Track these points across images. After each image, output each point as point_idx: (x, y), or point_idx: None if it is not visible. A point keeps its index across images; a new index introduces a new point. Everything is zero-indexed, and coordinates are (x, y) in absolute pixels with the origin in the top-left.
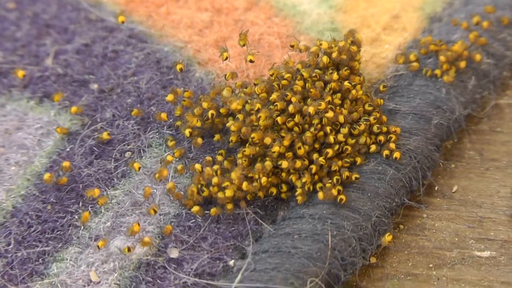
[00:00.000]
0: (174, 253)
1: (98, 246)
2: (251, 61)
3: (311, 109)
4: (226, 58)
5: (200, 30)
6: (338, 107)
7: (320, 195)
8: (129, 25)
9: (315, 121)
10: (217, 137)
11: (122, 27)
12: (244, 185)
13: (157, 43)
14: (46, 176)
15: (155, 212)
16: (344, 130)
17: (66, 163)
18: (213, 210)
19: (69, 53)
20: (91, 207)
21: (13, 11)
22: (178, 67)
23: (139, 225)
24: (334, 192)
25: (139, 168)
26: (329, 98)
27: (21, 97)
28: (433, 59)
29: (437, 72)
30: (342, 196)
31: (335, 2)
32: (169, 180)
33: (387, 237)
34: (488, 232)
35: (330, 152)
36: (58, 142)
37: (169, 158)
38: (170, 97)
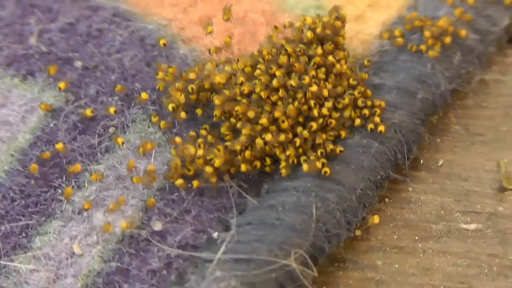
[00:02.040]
0: (157, 226)
1: (84, 208)
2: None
3: (293, 82)
4: (210, 32)
5: (185, 8)
6: (322, 81)
7: (305, 167)
8: (113, 3)
9: (299, 95)
10: (199, 111)
11: (106, 6)
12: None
13: (141, 21)
14: (33, 167)
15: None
16: (329, 104)
17: (59, 145)
18: (195, 182)
19: (53, 31)
20: (74, 181)
21: None
22: (162, 42)
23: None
24: (318, 164)
25: (123, 143)
26: (313, 73)
27: (5, 74)
28: (418, 34)
29: (422, 47)
30: (327, 169)
31: None
32: (152, 155)
33: (375, 219)
34: (474, 205)
35: (314, 125)
36: (42, 118)
37: (149, 146)
38: (160, 75)
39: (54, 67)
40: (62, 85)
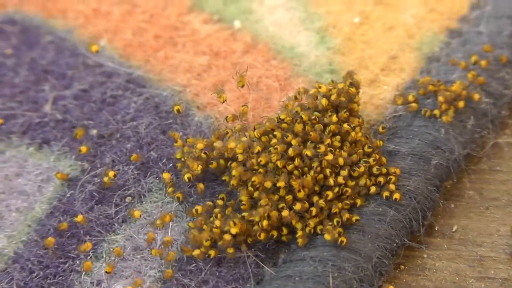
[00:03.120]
0: None
1: (106, 271)
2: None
3: (308, 152)
4: (224, 101)
5: (199, 74)
6: (337, 150)
7: (327, 236)
8: (127, 70)
9: (315, 164)
10: (225, 177)
11: (120, 72)
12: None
13: (155, 88)
14: (48, 241)
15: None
16: (344, 172)
17: (79, 218)
18: (212, 252)
19: (67, 98)
20: (92, 252)
21: (10, 57)
22: (176, 108)
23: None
24: (335, 234)
25: (140, 215)
26: (328, 141)
27: (21, 143)
28: (432, 99)
29: (436, 112)
30: (343, 238)
31: (333, 44)
32: (170, 225)
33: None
34: (489, 270)
35: (330, 194)
36: (58, 188)
37: (167, 218)
38: (179, 143)
39: (82, 129)
40: (84, 148)
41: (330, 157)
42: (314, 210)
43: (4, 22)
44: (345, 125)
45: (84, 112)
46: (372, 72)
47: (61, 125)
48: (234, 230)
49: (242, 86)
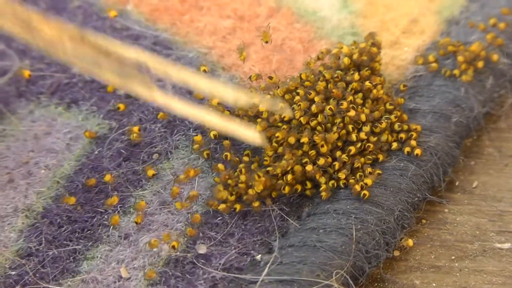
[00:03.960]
0: (202, 249)
1: (136, 222)
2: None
3: (332, 107)
4: (244, 58)
5: (224, 36)
6: (359, 107)
7: (354, 189)
8: (154, 32)
9: (337, 120)
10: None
11: (147, 35)
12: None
13: (181, 50)
14: (68, 199)
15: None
16: (366, 128)
17: (107, 177)
18: (238, 206)
19: None
20: (120, 207)
21: None
22: (202, 68)
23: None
24: (358, 187)
25: (153, 175)
26: (351, 98)
27: (49, 103)
28: (451, 60)
29: (456, 72)
30: (365, 192)
31: (355, 8)
32: (196, 180)
33: (409, 242)
34: (509, 225)
35: (352, 149)
36: (87, 145)
37: (192, 173)
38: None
39: (123, 105)
40: (122, 106)
41: (352, 113)
42: (337, 165)
43: None
44: (367, 83)
45: None
46: (393, 34)
47: (89, 85)
48: (259, 186)
49: (267, 42)
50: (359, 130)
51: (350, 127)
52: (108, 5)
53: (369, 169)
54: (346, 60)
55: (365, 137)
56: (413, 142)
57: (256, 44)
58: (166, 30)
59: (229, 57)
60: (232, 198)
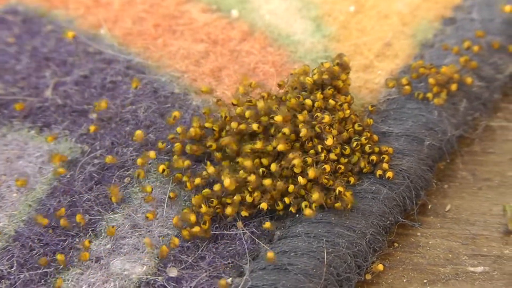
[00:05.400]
0: (173, 272)
1: (147, 217)
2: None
3: (302, 132)
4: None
5: (197, 60)
6: (327, 127)
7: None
8: (127, 56)
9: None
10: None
11: (120, 59)
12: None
13: (154, 74)
14: (41, 219)
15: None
16: (336, 150)
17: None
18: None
19: (68, 84)
20: (91, 230)
21: (12, 45)
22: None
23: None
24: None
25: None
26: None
27: (22, 127)
28: (425, 83)
29: (429, 95)
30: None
31: (328, 32)
32: (165, 203)
33: (379, 267)
34: (481, 248)
35: (327, 168)
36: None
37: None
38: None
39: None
40: (92, 128)
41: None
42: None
43: (6, 12)
44: (331, 100)
45: (84, 97)
46: (366, 58)
47: (61, 109)
48: (227, 181)
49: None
50: (329, 151)
51: (319, 147)
52: (82, 30)
53: (340, 188)
54: (307, 80)
55: (335, 158)
56: (385, 165)
57: (229, 68)
58: (139, 54)
59: (202, 81)
60: (205, 227)
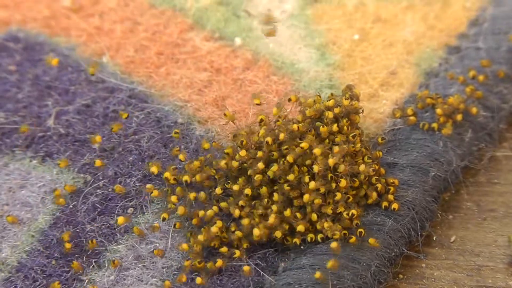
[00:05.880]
0: None
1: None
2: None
3: (316, 167)
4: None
5: (200, 89)
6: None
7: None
8: (130, 85)
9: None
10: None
11: (122, 88)
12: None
13: (157, 103)
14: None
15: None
16: (344, 182)
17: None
18: (219, 262)
19: (70, 113)
20: (94, 261)
21: (14, 74)
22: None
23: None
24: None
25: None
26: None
27: (24, 156)
28: (430, 112)
29: (434, 125)
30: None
31: (333, 60)
32: (169, 234)
33: None
34: (486, 279)
35: (338, 195)
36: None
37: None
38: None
39: (100, 162)
40: (98, 163)
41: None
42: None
43: (8, 40)
44: (350, 137)
45: (86, 126)
46: (371, 87)
47: (64, 139)
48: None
49: (259, 104)
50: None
51: (329, 176)
52: (84, 57)
53: (353, 211)
54: (329, 114)
55: (345, 186)
56: (391, 197)
57: (232, 97)
58: (142, 83)
59: (205, 110)
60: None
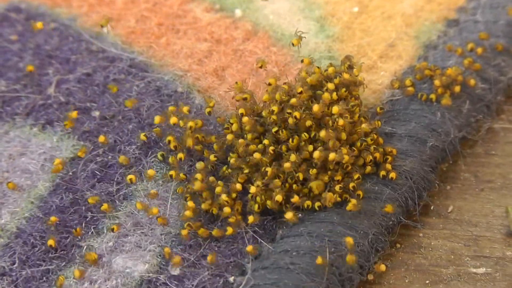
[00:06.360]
0: (175, 270)
1: (151, 212)
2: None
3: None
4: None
5: (200, 59)
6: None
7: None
8: (130, 55)
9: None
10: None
11: (123, 57)
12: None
13: (157, 72)
14: (51, 220)
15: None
16: (344, 150)
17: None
18: (215, 231)
19: (71, 82)
20: (93, 228)
21: (15, 43)
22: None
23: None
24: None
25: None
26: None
27: (24, 124)
28: (428, 84)
29: (432, 96)
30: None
31: (332, 32)
32: (168, 201)
33: (381, 267)
34: (484, 249)
35: (346, 157)
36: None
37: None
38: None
39: (103, 137)
40: (102, 138)
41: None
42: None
43: (9, 10)
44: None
45: (87, 95)
46: (370, 58)
47: (64, 107)
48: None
49: (261, 67)
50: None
51: (331, 143)
52: (85, 27)
53: (353, 181)
54: (330, 86)
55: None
56: (388, 166)
57: (232, 67)
58: (142, 53)
59: (205, 80)
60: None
